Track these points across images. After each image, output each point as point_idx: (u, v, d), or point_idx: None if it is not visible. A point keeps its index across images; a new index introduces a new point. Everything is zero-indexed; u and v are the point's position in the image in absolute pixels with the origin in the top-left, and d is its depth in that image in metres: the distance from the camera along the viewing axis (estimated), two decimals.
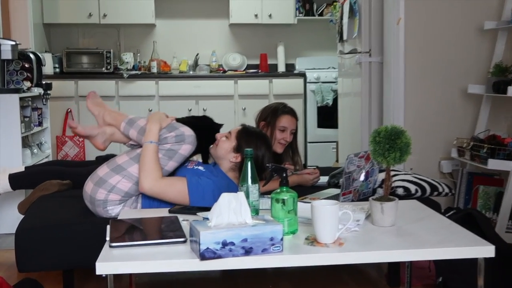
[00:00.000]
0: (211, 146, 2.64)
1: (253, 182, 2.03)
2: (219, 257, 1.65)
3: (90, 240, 2.33)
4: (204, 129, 2.71)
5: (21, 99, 4.07)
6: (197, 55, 6.34)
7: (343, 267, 2.96)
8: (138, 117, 2.68)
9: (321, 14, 6.38)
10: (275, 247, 1.69)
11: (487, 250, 1.76)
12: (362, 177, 2.60)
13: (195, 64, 6.31)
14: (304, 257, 1.72)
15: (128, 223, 2.00)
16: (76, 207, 2.64)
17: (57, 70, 5.89)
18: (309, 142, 6.12)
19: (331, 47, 6.11)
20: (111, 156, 2.74)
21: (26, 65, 4.25)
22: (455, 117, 3.94)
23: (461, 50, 3.90)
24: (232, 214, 1.72)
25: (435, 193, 2.85)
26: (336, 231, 1.82)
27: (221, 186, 2.42)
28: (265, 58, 6.34)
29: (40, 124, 4.64)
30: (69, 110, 5.72)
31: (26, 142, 4.49)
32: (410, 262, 2.53)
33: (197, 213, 2.13)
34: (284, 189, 1.93)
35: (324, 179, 3.16)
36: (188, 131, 2.52)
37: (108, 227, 1.89)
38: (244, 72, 6.22)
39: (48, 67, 5.49)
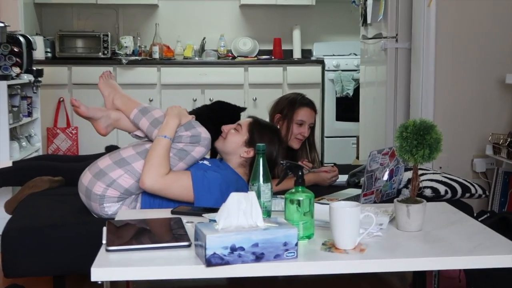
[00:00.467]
0: (218, 139, 2.65)
1: (265, 180, 2.04)
2: (227, 263, 1.65)
3: (85, 243, 2.34)
4: (225, 116, 2.72)
5: (9, 86, 4.10)
6: (203, 39, 6.34)
7: (363, 275, 2.96)
8: (153, 106, 2.70)
9: None
10: (289, 253, 1.70)
11: None
12: (385, 176, 2.59)
13: (201, 50, 6.32)
14: (321, 265, 1.72)
15: (126, 224, 2.00)
16: (69, 206, 2.66)
17: (49, 55, 5.91)
18: (327, 137, 6.11)
19: (353, 31, 6.09)
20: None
21: (15, 49, 4.28)
22: (490, 111, 3.92)
23: (499, 35, 3.87)
24: (241, 216, 1.72)
25: (467, 194, 2.84)
26: (357, 236, 1.81)
27: (229, 180, 2.44)
28: (279, 43, 6.33)
29: (29, 114, 4.67)
30: (62, 99, 5.75)
31: (14, 135, 4.52)
32: (438, 271, 2.52)
33: (203, 215, 2.13)
34: (300, 189, 1.93)
35: (343, 178, 3.16)
36: (205, 133, 2.54)
37: (105, 228, 1.90)
38: (256, 58, 6.22)
39: (39, 52, 5.52)
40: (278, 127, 3.20)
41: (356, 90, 5.80)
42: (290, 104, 3.21)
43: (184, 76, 5.90)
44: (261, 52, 6.39)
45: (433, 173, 2.92)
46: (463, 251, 1.80)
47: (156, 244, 1.79)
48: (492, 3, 3.86)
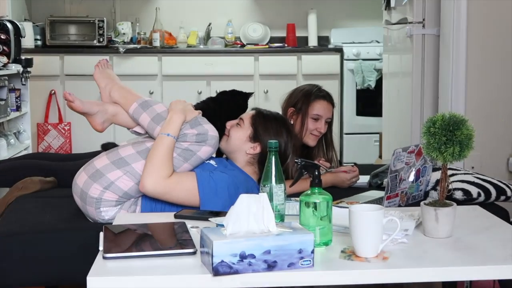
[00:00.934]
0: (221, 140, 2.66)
1: (278, 181, 2.04)
2: (236, 272, 1.66)
3: (80, 250, 2.35)
4: (231, 109, 2.72)
5: None
6: (209, 25, 6.34)
7: (386, 286, 2.95)
8: (155, 100, 2.70)
9: None
10: (304, 261, 1.70)
11: None
12: (411, 177, 2.59)
13: (207, 37, 6.32)
14: (340, 274, 1.72)
15: (125, 230, 2.02)
16: (62, 210, 2.67)
17: (39, 43, 5.94)
18: (346, 134, 6.11)
19: (375, 16, 6.08)
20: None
21: (2, 37, 4.31)
22: None
23: None
24: (252, 220, 1.73)
25: (502, 197, 2.83)
26: (379, 243, 1.82)
27: (237, 181, 2.44)
28: (292, 29, 6.32)
29: (18, 108, 4.70)
30: (53, 91, 5.77)
31: (1, 131, 4.55)
32: (470, 282, 2.52)
33: (210, 219, 2.14)
34: (316, 191, 1.93)
35: (364, 179, 3.15)
36: (212, 131, 2.54)
37: (102, 234, 1.91)
38: (267, 46, 6.22)
39: (28, 39, 5.55)
40: (292, 122, 3.20)
41: (379, 82, 5.79)
42: (305, 97, 3.21)
43: (187, 66, 5.91)
44: (273, 40, 6.39)
45: (464, 174, 2.91)
46: (498, 259, 1.80)
47: (158, 251, 1.79)
48: None
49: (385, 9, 4.94)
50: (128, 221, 2.18)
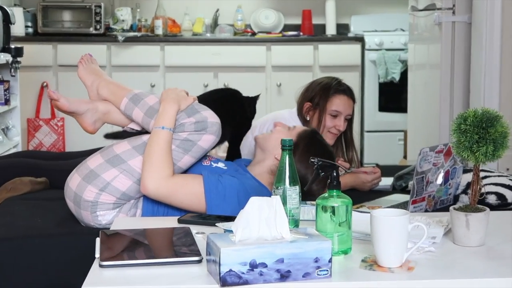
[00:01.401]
0: (261, 134, 2.66)
1: (292, 183, 2.04)
2: (246, 283, 1.66)
3: (73, 258, 2.35)
4: (234, 108, 2.73)
5: None
6: (216, 11, 6.35)
7: None
8: (147, 92, 2.69)
9: None
10: (321, 270, 1.70)
11: None
12: (439, 179, 2.59)
13: (214, 24, 6.33)
14: (360, 285, 1.72)
15: (124, 235, 2.02)
16: (55, 213, 2.68)
17: (30, 30, 5.96)
18: (367, 131, 6.11)
19: (400, 1, 6.07)
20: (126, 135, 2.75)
21: None
22: None
23: None
24: (263, 225, 1.73)
25: None
26: (404, 251, 1.82)
27: (249, 187, 2.44)
28: (309, 16, 6.33)
29: (7, 102, 4.72)
30: (45, 84, 5.79)
31: None
32: None
33: (217, 224, 2.15)
34: (334, 194, 1.93)
35: (387, 182, 3.15)
36: (212, 117, 2.53)
37: (98, 240, 1.92)
38: (280, 35, 6.22)
39: (19, 27, 5.57)
40: (308, 118, 3.21)
41: (404, 74, 5.79)
42: (323, 91, 3.21)
43: (193, 56, 5.92)
44: (287, 28, 6.39)
45: (499, 176, 2.91)
46: None
47: (159, 259, 1.80)
48: None
49: None
50: (127, 225, 2.18)
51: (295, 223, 2.05)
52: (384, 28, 6.28)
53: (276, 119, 3.18)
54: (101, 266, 1.76)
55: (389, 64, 5.98)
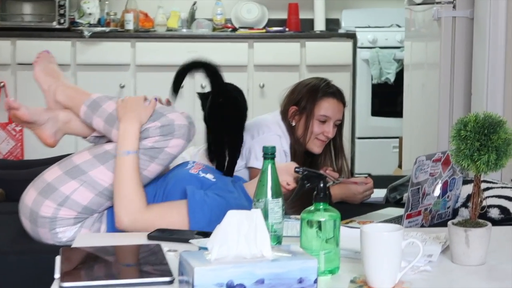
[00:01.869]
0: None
1: (275, 195, 2.04)
2: None
3: (31, 277, 2.35)
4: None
5: None
6: (194, 4, 6.35)
7: None
8: (105, 97, 2.68)
9: None
10: None
11: None
12: (437, 191, 2.59)
13: (191, 19, 6.33)
14: None
15: (87, 252, 2.01)
16: (11, 228, 2.67)
17: None
18: (359, 138, 6.11)
19: None
20: None
21: None
22: None
23: None
24: (242, 242, 1.72)
25: None
26: (397, 271, 1.82)
27: (236, 207, 2.41)
28: (295, 10, 6.33)
29: None
30: (2, 84, 5.76)
31: None
32: None
33: (191, 241, 2.14)
34: (321, 207, 1.93)
35: (380, 193, 3.16)
36: (179, 119, 2.53)
37: (58, 258, 1.91)
38: (264, 31, 6.23)
39: None
40: (294, 123, 3.21)
41: (399, 75, 5.80)
42: (310, 94, 3.21)
43: (167, 54, 5.91)
44: (271, 23, 6.40)
45: (502, 187, 2.92)
46: None
47: (125, 279, 1.79)
48: None
49: None
50: (91, 242, 2.17)
51: (277, 239, 2.05)
52: (378, 24, 6.29)
53: (258, 125, 3.18)
54: (61, 287, 1.75)
55: (383, 63, 5.99)
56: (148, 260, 1.95)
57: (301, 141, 3.17)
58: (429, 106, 4.54)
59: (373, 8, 6.53)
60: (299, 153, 3.17)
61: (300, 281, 1.69)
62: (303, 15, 6.35)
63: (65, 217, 2.47)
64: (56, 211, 2.47)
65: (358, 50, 6.06)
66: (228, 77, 5.82)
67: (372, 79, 6.04)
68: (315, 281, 1.71)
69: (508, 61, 3.89)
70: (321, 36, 6.14)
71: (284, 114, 3.25)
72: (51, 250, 2.27)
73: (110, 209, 2.47)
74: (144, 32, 6.05)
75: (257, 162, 3.01)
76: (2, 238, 2.60)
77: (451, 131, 2.00)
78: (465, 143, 1.95)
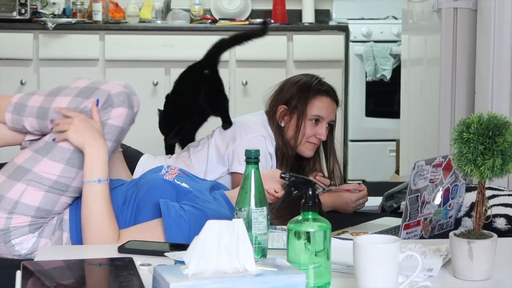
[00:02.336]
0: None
1: (259, 203, 2.04)
2: None
3: None
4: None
5: None
6: None
7: None
8: (26, 95, 2.68)
9: None
10: None
11: None
12: (438, 199, 2.60)
13: (166, 9, 6.32)
14: None
15: (51, 267, 2.00)
16: None
17: None
18: (352, 141, 6.13)
19: None
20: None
21: None
22: None
23: None
24: (223, 255, 1.72)
25: None
26: (394, 287, 1.82)
27: (212, 217, 2.41)
28: (281, 0, 6.34)
29: None
30: None
31: None
32: None
33: (166, 254, 2.14)
34: (310, 216, 1.93)
35: (375, 202, 3.17)
36: (115, 88, 2.58)
37: (19, 274, 1.90)
38: (247, 23, 6.23)
39: None
40: (283, 124, 3.20)
41: (396, 71, 5.82)
42: (302, 92, 3.21)
43: (139, 48, 5.91)
44: (254, 14, 6.40)
45: (508, 195, 2.93)
46: None
47: None
48: None
49: None
50: (56, 255, 2.17)
51: (262, 252, 2.05)
52: (372, 16, 6.31)
53: (241, 126, 3.18)
54: None
55: (378, 59, 6.01)
56: (118, 276, 1.94)
57: (291, 143, 3.17)
58: (429, 105, 4.55)
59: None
60: (288, 156, 3.17)
61: None
62: (290, 5, 6.37)
63: (19, 226, 2.47)
64: (7, 221, 2.47)
65: (350, 44, 6.07)
66: None
67: (366, 76, 6.05)
68: None
69: None
70: (310, 29, 6.15)
71: (272, 114, 3.24)
72: (11, 265, 2.27)
73: (72, 213, 2.48)
74: (114, 24, 6.03)
75: (241, 166, 3.02)
76: None
77: (453, 133, 2.00)
78: (468, 147, 1.96)
